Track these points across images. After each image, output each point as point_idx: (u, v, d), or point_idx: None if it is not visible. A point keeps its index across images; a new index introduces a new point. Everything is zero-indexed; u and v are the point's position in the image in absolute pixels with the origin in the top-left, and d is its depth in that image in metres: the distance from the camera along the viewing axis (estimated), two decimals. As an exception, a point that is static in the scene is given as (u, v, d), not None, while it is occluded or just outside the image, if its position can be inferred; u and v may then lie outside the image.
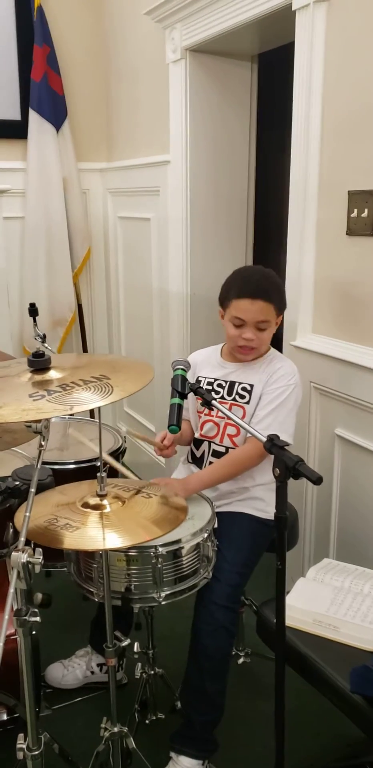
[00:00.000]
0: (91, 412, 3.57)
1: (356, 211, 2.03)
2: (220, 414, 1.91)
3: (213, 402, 1.62)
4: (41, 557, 1.20)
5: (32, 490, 1.24)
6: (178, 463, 2.20)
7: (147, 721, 1.99)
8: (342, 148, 2.06)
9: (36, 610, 1.25)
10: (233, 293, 1.90)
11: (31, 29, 3.36)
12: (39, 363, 1.27)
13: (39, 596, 1.46)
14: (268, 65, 3.09)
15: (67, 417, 2.47)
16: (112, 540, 1.38)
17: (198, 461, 2.04)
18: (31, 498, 1.23)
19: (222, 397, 1.98)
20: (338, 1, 1.99)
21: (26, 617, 1.23)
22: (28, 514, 1.23)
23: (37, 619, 1.25)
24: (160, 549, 1.63)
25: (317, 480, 1.31)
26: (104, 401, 1.17)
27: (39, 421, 1.23)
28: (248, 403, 1.93)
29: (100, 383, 1.23)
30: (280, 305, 1.94)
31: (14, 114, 3.48)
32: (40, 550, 1.21)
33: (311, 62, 2.11)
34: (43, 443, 1.27)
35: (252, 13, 2.34)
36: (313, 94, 2.12)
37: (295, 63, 2.17)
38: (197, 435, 2.05)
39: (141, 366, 1.37)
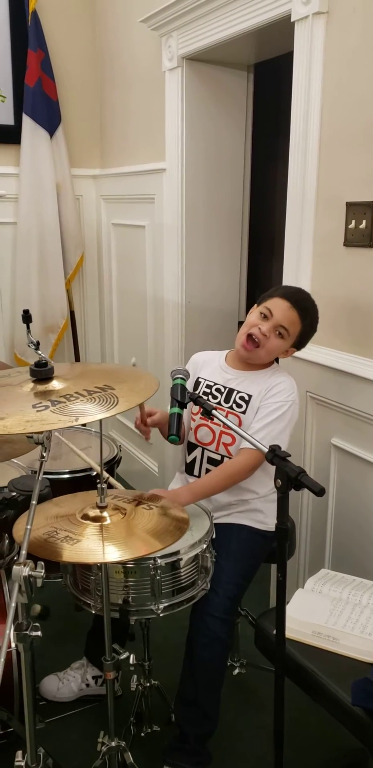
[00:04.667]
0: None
1: (354, 222, 2.03)
2: (216, 420, 1.89)
3: (214, 412, 1.61)
4: (43, 570, 1.18)
5: (34, 502, 1.22)
6: (174, 473, 2.18)
7: (142, 734, 1.97)
8: (340, 159, 2.06)
9: (37, 624, 1.23)
10: (278, 293, 1.93)
11: (25, 34, 3.34)
12: (42, 373, 1.26)
13: (37, 608, 1.44)
14: (261, 75, 3.10)
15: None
16: (113, 553, 1.36)
17: (189, 467, 2.02)
18: (33, 510, 1.21)
19: (219, 403, 1.96)
20: (337, 13, 2.00)
21: (27, 632, 1.21)
22: (29, 527, 1.21)
23: (39, 633, 1.23)
24: (158, 561, 1.62)
25: (319, 491, 1.31)
26: (110, 412, 1.15)
27: (41, 432, 1.22)
28: (244, 412, 1.92)
29: (104, 394, 1.21)
30: (303, 333, 1.93)
31: (7, 119, 3.45)
32: (42, 563, 1.19)
33: (309, 73, 2.11)
34: (44, 454, 1.25)
35: (250, 24, 2.35)
36: (311, 105, 2.12)
37: (293, 74, 2.18)
38: (191, 439, 2.02)
39: (145, 377, 1.36)
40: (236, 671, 2.22)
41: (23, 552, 1.19)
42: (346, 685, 1.45)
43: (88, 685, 2.14)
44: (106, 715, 1.67)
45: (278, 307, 1.89)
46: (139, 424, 1.96)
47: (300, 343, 1.95)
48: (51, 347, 3.67)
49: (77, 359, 3.86)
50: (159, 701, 2.02)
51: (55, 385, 1.26)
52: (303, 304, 1.92)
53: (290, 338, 1.90)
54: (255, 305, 1.99)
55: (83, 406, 1.17)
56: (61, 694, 2.13)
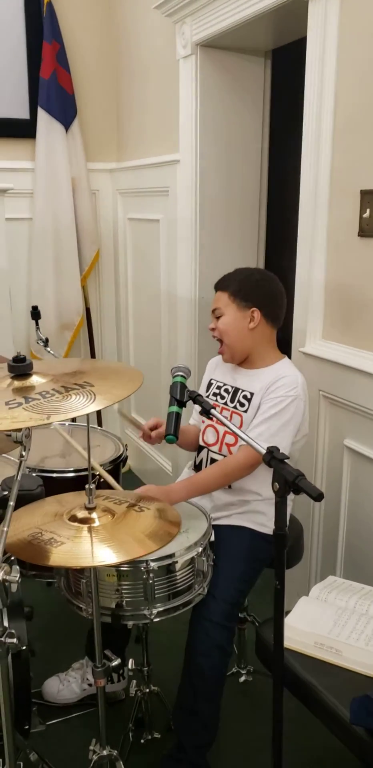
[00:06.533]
0: (99, 420, 3.51)
1: (368, 211, 1.93)
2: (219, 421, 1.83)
3: (212, 411, 1.54)
4: (18, 575, 1.13)
5: (11, 503, 1.17)
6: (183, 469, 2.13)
7: (142, 741, 1.92)
8: (355, 146, 1.96)
9: (13, 631, 1.17)
10: None
11: (40, 25, 3.30)
12: (19, 369, 1.20)
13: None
14: (283, 62, 3.00)
15: (67, 423, 2.40)
16: (100, 556, 1.30)
17: (197, 468, 1.98)
18: (10, 513, 1.16)
19: (225, 403, 1.92)
20: (352, -8, 1.91)
21: (2, 638, 1.16)
22: (6, 529, 1.15)
23: (14, 641, 1.17)
24: (151, 564, 1.56)
25: (317, 497, 1.25)
26: (85, 410, 1.09)
27: (20, 429, 1.16)
28: (246, 411, 1.85)
29: (82, 391, 1.15)
30: (238, 292, 1.86)
31: (23, 112, 3.41)
32: (17, 567, 1.14)
33: (323, 55, 2.01)
34: (23, 453, 1.19)
35: (264, 5, 2.25)
36: (325, 89, 2.02)
37: (307, 56, 2.08)
38: (200, 441, 1.98)
39: (130, 372, 1.29)
40: (243, 678, 2.15)
41: (-1, 555, 1.14)
42: (347, 701, 1.36)
43: (90, 684, 2.08)
44: (108, 718, 1.62)
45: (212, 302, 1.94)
46: (143, 436, 1.99)
47: (241, 296, 1.86)
48: (67, 345, 3.63)
49: (93, 357, 3.82)
50: (159, 707, 1.96)
51: (34, 381, 1.20)
52: (220, 281, 1.94)
53: (224, 307, 1.88)
54: None
55: (58, 404, 1.11)
56: (62, 696, 2.08)
